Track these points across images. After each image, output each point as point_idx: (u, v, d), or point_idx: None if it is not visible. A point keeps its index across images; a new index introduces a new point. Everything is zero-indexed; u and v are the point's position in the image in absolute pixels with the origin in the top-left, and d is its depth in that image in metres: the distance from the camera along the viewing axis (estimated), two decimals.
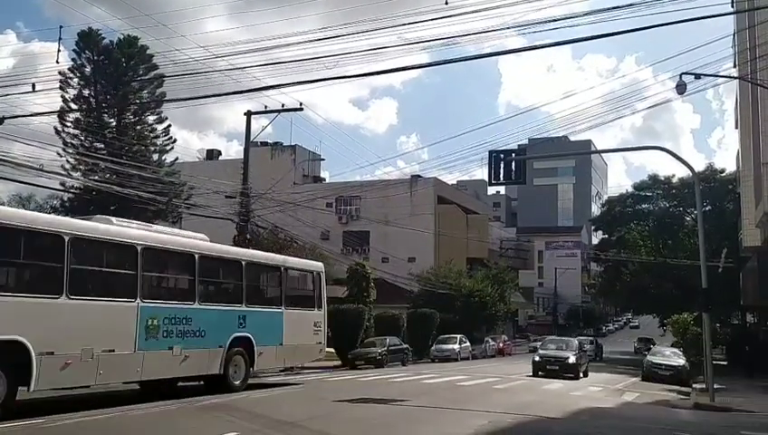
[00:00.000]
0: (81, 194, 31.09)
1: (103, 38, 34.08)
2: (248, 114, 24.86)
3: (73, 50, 33.94)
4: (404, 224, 45.20)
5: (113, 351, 11.30)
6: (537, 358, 24.53)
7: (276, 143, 56.42)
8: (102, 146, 32.76)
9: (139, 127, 34.79)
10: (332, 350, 31.34)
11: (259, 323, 14.96)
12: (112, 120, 34.59)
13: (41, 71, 78.19)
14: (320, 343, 17.81)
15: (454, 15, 14.11)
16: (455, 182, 62.39)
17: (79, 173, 32.18)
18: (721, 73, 19.03)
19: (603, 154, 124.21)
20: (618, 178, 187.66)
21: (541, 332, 64.44)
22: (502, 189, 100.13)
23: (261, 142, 47.54)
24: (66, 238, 10.73)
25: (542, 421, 11.16)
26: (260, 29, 73.45)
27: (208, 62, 20.40)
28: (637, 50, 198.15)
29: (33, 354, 9.88)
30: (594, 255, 66.39)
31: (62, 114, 31.66)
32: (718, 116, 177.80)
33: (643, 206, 55.03)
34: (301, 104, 24.02)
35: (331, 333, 31.86)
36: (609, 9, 13.04)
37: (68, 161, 31.54)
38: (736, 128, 29.29)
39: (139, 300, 11.87)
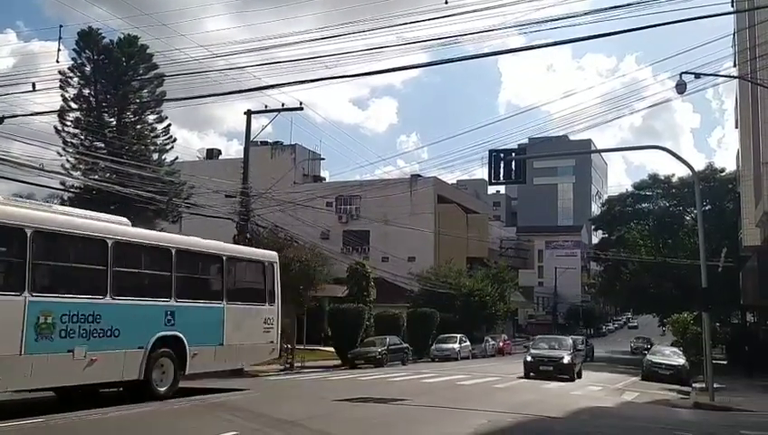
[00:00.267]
0: (81, 193, 31.06)
1: (103, 37, 34.16)
2: (248, 114, 24.85)
3: (73, 49, 34.05)
4: (404, 223, 45.18)
5: None
6: (529, 358, 22.91)
7: (276, 143, 56.43)
8: (102, 145, 32.80)
9: (139, 126, 34.84)
10: (332, 349, 31.47)
11: (193, 320, 13.13)
12: (112, 119, 34.64)
13: (41, 70, 78.05)
14: (271, 341, 15.73)
15: (453, 15, 14.04)
16: (455, 182, 62.42)
17: (79, 172, 32.24)
18: (721, 73, 19.06)
19: (603, 154, 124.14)
20: (618, 177, 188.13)
21: (541, 331, 64.34)
22: (502, 189, 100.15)
23: (261, 142, 47.51)
24: None
25: (542, 421, 11.16)
26: (259, 28, 73.56)
27: (208, 62, 20.41)
28: (636, 49, 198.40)
29: None
30: (594, 254, 66.42)
31: (62, 113, 31.70)
32: (718, 115, 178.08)
33: (643, 205, 55.08)
34: (301, 104, 24.03)
35: (331, 332, 32.19)
36: (608, 9, 13.03)
37: (68, 161, 31.61)
38: (736, 127, 29.29)
39: (27, 293, 10.02)
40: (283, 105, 23.69)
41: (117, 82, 33.90)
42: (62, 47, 39.87)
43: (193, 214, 27.83)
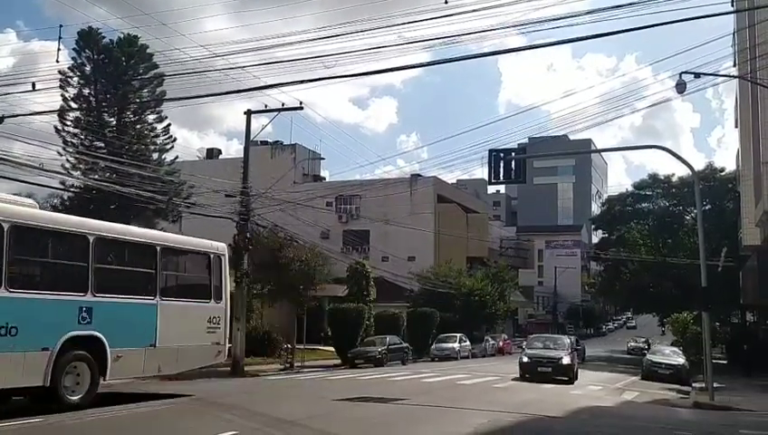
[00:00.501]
0: (81, 193, 31.10)
1: (103, 37, 34.18)
2: (248, 113, 24.84)
3: (73, 49, 34.08)
4: (404, 223, 45.19)
5: None
6: (525, 359, 21.46)
7: (276, 142, 56.42)
8: (102, 145, 32.81)
9: (138, 126, 34.87)
10: (332, 349, 31.49)
11: (115, 317, 11.50)
12: (112, 119, 34.66)
13: (41, 70, 78.20)
14: (218, 343, 13.93)
15: (453, 15, 14.02)
16: (454, 181, 62.39)
17: (79, 172, 32.22)
18: (720, 73, 19.06)
19: (603, 153, 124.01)
20: (618, 177, 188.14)
21: (540, 331, 64.30)
22: (502, 188, 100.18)
23: (261, 141, 47.49)
24: None
25: (541, 420, 11.17)
26: (259, 28, 73.43)
27: (208, 62, 20.37)
28: (636, 49, 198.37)
29: None
30: (594, 254, 66.42)
31: (62, 113, 31.70)
32: (718, 115, 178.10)
33: (643, 205, 55.03)
34: (300, 103, 24.00)
35: (331, 331, 32.21)
36: (608, 9, 13.04)
37: (68, 160, 31.58)
38: (736, 127, 29.30)
39: None
40: (282, 105, 23.68)
41: (117, 82, 33.92)
42: (62, 47, 39.94)
43: (193, 214, 27.79)
